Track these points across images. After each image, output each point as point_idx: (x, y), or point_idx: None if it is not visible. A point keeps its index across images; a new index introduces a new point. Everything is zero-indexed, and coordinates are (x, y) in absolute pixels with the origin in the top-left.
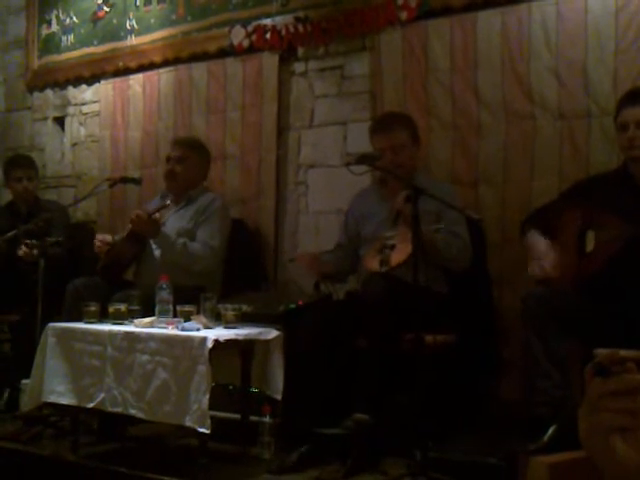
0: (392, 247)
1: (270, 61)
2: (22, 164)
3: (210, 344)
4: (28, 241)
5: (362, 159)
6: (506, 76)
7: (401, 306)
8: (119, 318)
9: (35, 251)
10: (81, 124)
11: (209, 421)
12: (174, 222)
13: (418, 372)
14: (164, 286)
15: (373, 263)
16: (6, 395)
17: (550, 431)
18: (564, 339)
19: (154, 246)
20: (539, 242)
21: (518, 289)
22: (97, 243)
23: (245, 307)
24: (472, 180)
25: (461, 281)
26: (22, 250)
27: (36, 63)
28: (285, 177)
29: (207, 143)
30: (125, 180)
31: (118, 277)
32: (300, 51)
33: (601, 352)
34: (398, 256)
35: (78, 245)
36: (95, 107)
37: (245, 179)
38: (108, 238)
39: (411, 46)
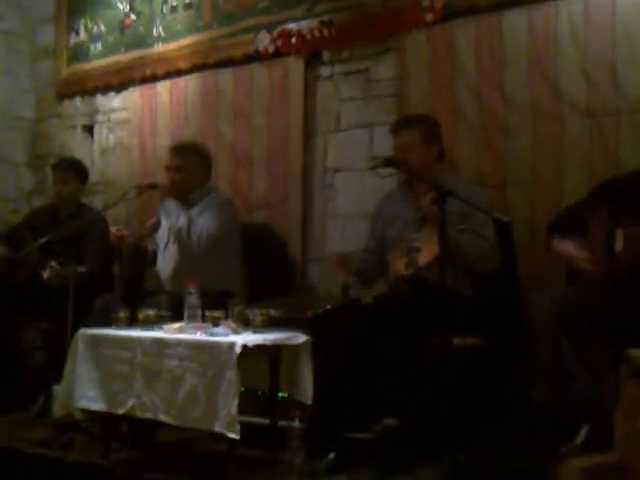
0: (418, 249)
1: (296, 65)
2: (60, 166)
3: (238, 349)
4: (53, 265)
5: (388, 162)
6: (533, 75)
7: (428, 309)
8: (148, 324)
9: (59, 279)
10: (110, 131)
11: (238, 426)
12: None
13: (447, 376)
14: (192, 291)
15: (399, 266)
16: (40, 402)
17: (582, 434)
18: (595, 340)
19: (169, 246)
20: (566, 247)
21: (548, 291)
22: (114, 234)
23: (273, 312)
24: (500, 181)
25: (490, 283)
26: (47, 273)
27: (65, 72)
28: (312, 181)
29: (234, 148)
30: (153, 187)
31: (139, 290)
32: (325, 55)
33: (634, 353)
34: (424, 258)
35: (110, 259)
36: (123, 115)
37: (272, 184)
38: (125, 232)
39: (437, 48)
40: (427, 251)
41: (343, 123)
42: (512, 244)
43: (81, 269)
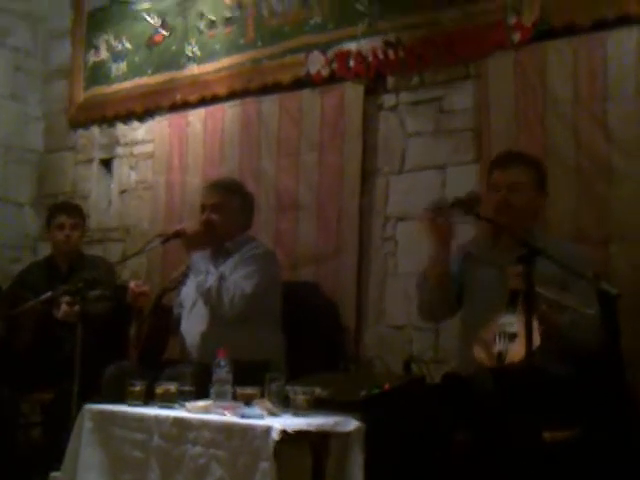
0: (512, 336)
1: (354, 93)
2: (67, 209)
3: (276, 435)
4: (68, 298)
5: (459, 203)
6: None
7: (513, 396)
8: (168, 400)
9: (77, 307)
10: (132, 168)
11: None
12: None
13: (533, 475)
14: (222, 363)
15: (486, 355)
16: None
17: None
18: None
19: (196, 307)
20: None
21: None
22: (132, 290)
23: (319, 391)
24: (601, 237)
25: (587, 363)
26: (62, 310)
27: (81, 95)
28: (370, 232)
29: (277, 190)
30: (180, 234)
31: (159, 358)
32: (390, 81)
33: None
34: (519, 351)
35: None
36: (148, 148)
37: (322, 234)
38: (145, 287)
39: (525, 73)
40: (522, 343)
41: (409, 163)
42: (615, 315)
43: (96, 293)
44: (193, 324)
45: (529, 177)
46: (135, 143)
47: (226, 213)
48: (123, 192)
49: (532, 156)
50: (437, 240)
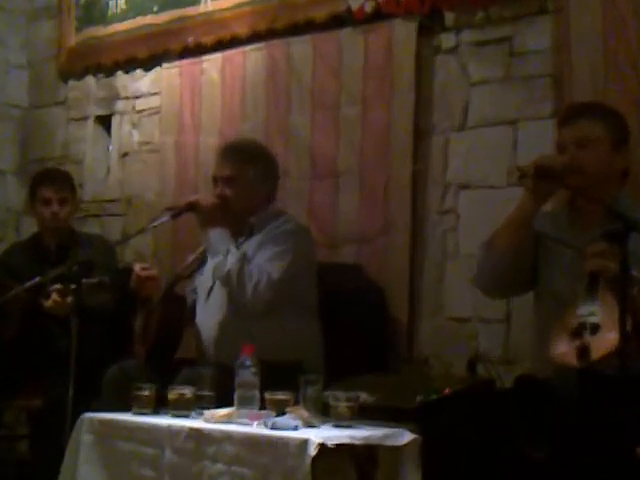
0: (594, 328)
1: (404, 33)
2: (53, 181)
3: (313, 450)
4: (59, 286)
5: (541, 170)
6: None
7: (604, 403)
8: (183, 408)
9: (70, 299)
10: (134, 126)
11: None
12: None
13: None
14: (247, 362)
15: (566, 351)
16: None
17: None
18: None
19: (213, 296)
20: None
21: None
22: (137, 275)
23: (365, 396)
24: None
25: None
26: (51, 300)
27: (73, 39)
28: (425, 203)
29: (312, 153)
30: (193, 207)
31: (171, 357)
32: (448, 17)
33: None
34: (604, 345)
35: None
36: (154, 102)
37: (366, 207)
38: (153, 271)
39: (615, 4)
40: (607, 335)
41: (472, 118)
42: None
43: (92, 281)
44: (210, 317)
45: (604, 131)
46: (138, 96)
47: (242, 186)
48: (124, 156)
49: (608, 107)
50: (534, 196)
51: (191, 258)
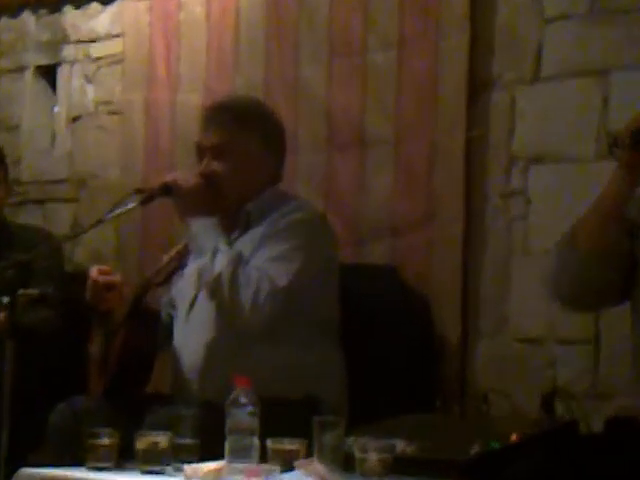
0: None
1: None
2: None
3: None
4: None
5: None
6: None
7: None
8: (156, 461)
9: (1, 315)
10: (89, 80)
11: None
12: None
13: None
14: (242, 399)
15: None
16: None
17: None
18: None
19: (197, 308)
20: None
21: None
22: (94, 280)
23: (402, 445)
24: None
25: None
26: None
27: None
28: (483, 184)
29: (329, 114)
30: (168, 191)
31: (138, 393)
32: None
33: None
34: None
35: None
36: (116, 47)
37: (404, 185)
38: (114, 276)
39: None
40: None
41: (548, 67)
42: None
43: (31, 291)
44: (192, 336)
45: None
46: (93, 40)
47: (236, 161)
48: (75, 120)
49: None
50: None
51: (166, 259)
